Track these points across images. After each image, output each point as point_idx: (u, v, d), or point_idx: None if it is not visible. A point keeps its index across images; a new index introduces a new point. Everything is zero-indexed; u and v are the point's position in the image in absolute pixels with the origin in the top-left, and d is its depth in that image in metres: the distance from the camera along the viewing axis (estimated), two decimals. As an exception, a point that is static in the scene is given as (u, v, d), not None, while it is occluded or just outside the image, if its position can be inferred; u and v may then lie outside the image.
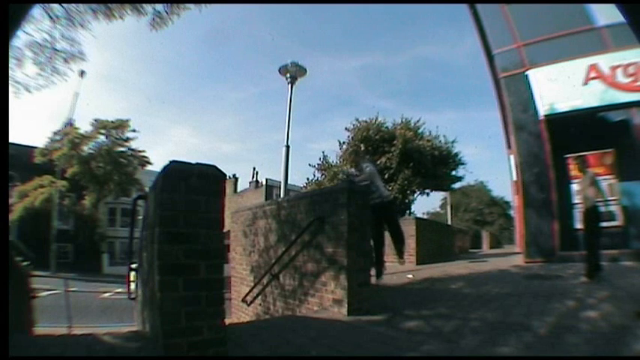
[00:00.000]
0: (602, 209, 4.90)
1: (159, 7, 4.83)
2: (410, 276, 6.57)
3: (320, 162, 6.86)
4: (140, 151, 25.38)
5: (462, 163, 7.02)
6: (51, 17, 4.70)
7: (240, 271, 5.99)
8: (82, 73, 20.66)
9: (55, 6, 4.65)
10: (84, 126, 23.94)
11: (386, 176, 6.23)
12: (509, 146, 10.48)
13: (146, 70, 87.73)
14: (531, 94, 7.94)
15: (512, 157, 9.58)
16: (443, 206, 38.49)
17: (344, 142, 6.88)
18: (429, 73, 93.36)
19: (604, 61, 7.28)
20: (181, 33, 46.40)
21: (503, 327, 2.75)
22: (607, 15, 6.92)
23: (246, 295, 5.39)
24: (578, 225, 6.20)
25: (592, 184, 4.93)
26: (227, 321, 2.28)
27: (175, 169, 2.08)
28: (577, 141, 7.58)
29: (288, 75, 8.03)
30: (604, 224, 5.04)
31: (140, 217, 3.24)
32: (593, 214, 4.88)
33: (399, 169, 6.16)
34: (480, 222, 39.61)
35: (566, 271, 5.64)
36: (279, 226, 4.76)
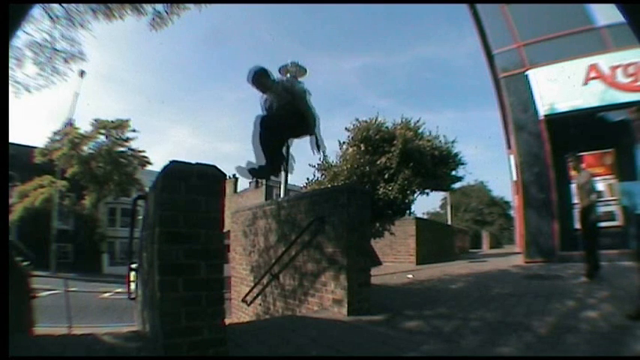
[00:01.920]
0: (600, 208, 4.89)
1: (159, 7, 4.82)
2: (410, 276, 6.58)
3: (320, 162, 6.83)
4: (140, 151, 25.35)
5: (462, 163, 6.98)
6: (51, 17, 4.69)
7: (240, 271, 5.99)
8: (82, 73, 20.60)
9: (55, 6, 4.65)
10: (84, 126, 23.89)
11: (386, 176, 6.20)
12: (509, 146, 10.48)
13: (146, 70, 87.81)
14: (531, 94, 7.94)
15: (512, 157, 9.58)
16: (443, 206, 38.49)
17: (344, 142, 6.85)
18: (429, 73, 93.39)
19: (604, 61, 7.28)
20: (181, 33, 46.38)
21: (503, 327, 2.75)
22: (607, 15, 6.92)
23: (246, 295, 5.39)
24: (578, 225, 6.21)
25: (588, 183, 4.93)
26: (227, 321, 2.28)
27: (175, 169, 2.09)
28: (577, 141, 7.58)
29: (288, 75, 8.02)
30: (603, 224, 5.03)
31: (140, 217, 3.24)
32: (590, 214, 4.88)
33: (399, 169, 6.13)
34: (480, 222, 39.55)
35: (566, 271, 5.64)
36: (279, 226, 4.76)
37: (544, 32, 7.91)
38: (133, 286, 3.35)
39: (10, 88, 4.69)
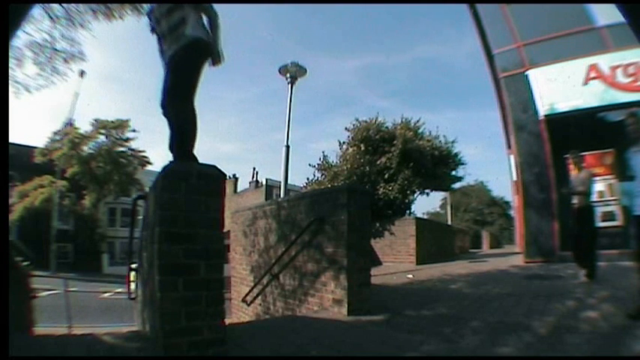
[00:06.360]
0: (598, 208, 4.87)
1: (159, 7, 4.82)
2: (410, 276, 6.58)
3: (320, 162, 6.84)
4: (140, 151, 25.33)
5: (462, 163, 6.98)
6: (51, 17, 4.70)
7: (240, 271, 5.99)
8: (82, 73, 20.53)
9: (55, 6, 4.66)
10: (84, 126, 23.86)
11: (386, 176, 6.20)
12: (509, 146, 10.50)
13: (146, 70, 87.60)
14: (531, 94, 7.94)
15: (512, 157, 9.59)
16: (443, 206, 38.46)
17: (344, 142, 6.85)
18: (429, 73, 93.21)
19: (604, 61, 7.28)
20: (181, 33, 46.09)
21: (503, 327, 2.75)
22: (607, 15, 6.92)
23: (246, 295, 5.39)
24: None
25: (586, 182, 4.92)
26: (227, 321, 2.28)
27: (175, 169, 2.09)
28: (577, 141, 7.57)
29: (288, 75, 8.01)
30: (602, 224, 5.01)
31: (140, 217, 3.24)
32: (587, 213, 4.87)
33: (399, 169, 6.13)
34: (480, 222, 39.58)
35: (566, 271, 5.64)
36: (279, 226, 4.76)
37: (544, 32, 7.91)
38: (133, 286, 3.35)
39: (10, 88, 4.70)
